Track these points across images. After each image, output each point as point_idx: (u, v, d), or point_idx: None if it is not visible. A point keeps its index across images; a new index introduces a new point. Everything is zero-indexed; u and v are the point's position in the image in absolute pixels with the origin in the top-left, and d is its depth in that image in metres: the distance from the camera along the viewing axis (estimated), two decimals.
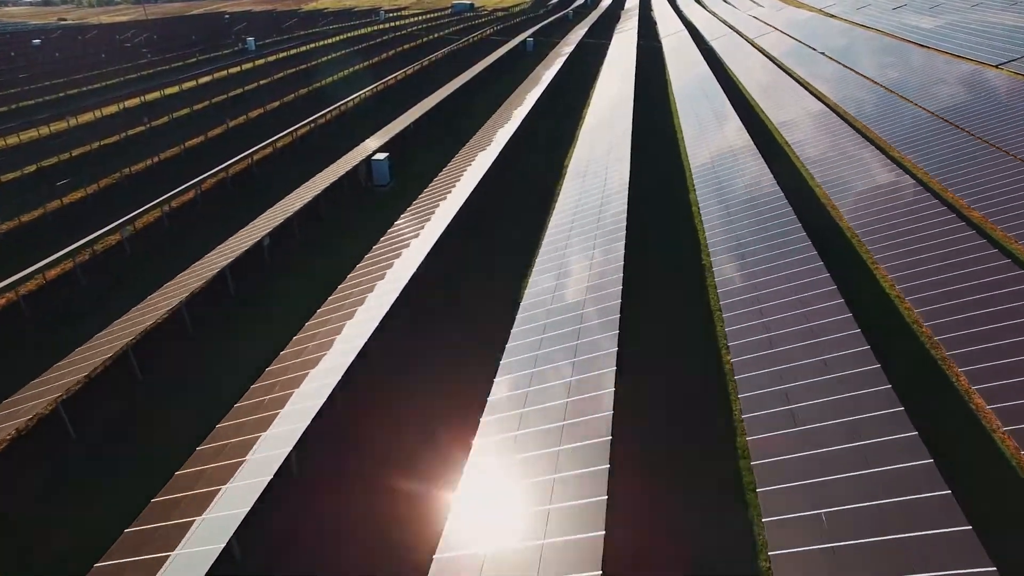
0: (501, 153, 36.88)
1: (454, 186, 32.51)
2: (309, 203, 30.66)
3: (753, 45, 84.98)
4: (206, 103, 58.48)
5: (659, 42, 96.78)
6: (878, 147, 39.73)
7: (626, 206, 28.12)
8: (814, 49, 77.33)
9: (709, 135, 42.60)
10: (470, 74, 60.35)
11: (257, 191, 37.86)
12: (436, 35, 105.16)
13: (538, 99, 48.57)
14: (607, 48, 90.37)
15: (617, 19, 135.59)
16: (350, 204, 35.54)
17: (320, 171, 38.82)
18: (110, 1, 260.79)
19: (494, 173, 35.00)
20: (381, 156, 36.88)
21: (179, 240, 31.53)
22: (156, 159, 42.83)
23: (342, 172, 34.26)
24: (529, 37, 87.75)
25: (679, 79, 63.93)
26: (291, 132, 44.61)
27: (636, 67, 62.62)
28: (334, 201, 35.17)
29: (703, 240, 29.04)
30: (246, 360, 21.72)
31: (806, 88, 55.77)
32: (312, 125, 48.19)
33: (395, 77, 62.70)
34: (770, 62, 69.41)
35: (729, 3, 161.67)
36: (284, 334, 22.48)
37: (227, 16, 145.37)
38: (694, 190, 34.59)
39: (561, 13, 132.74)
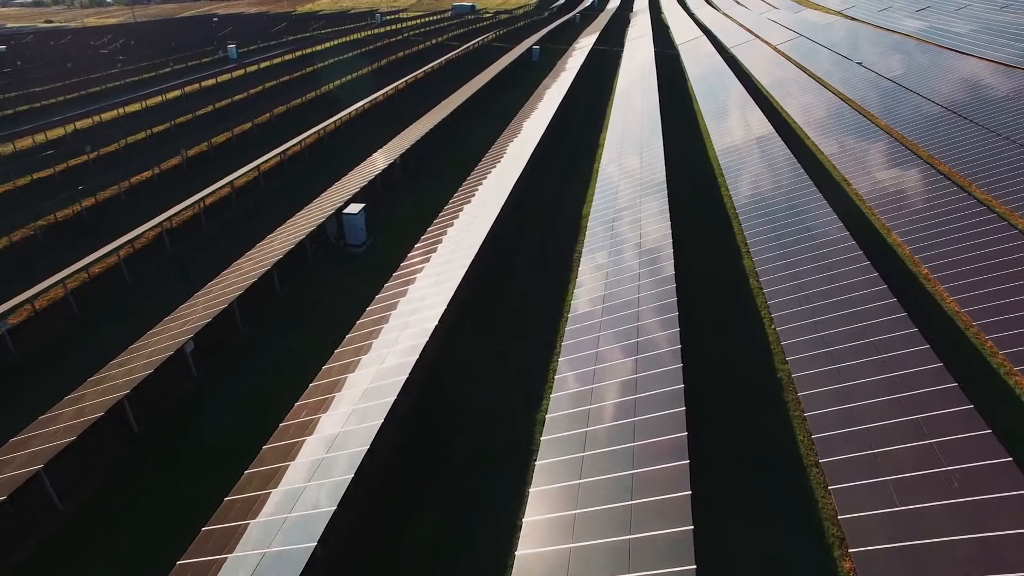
0: (505, 203, 29.58)
1: (441, 251, 25.18)
2: (259, 280, 23.32)
3: (781, 54, 77.39)
4: (168, 124, 51.13)
5: (675, 50, 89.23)
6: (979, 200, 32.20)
7: (675, 296, 20.75)
8: (849, 59, 69.76)
9: (754, 170, 35.15)
10: (468, 91, 52.91)
11: (205, 252, 30.56)
12: (434, 40, 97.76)
13: (545, 130, 41.11)
14: (620, 57, 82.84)
15: (627, 23, 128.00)
16: (313, 279, 28.16)
17: (283, 222, 31.44)
18: (102, 3, 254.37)
19: (497, 231, 27.78)
20: (355, 209, 29.45)
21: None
22: (81, 206, 35.47)
23: (304, 232, 26.91)
24: (535, 45, 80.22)
25: (707, 97, 56.34)
26: (256, 167, 37.24)
27: (657, 87, 55.08)
28: (291, 275, 27.78)
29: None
30: None
31: (847, 103, 48.26)
32: (281, 157, 40.81)
33: (385, 93, 55.38)
34: (803, 74, 61.91)
35: (741, 4, 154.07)
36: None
37: (215, 19, 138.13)
38: (749, 256, 27.15)
39: (567, 16, 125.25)
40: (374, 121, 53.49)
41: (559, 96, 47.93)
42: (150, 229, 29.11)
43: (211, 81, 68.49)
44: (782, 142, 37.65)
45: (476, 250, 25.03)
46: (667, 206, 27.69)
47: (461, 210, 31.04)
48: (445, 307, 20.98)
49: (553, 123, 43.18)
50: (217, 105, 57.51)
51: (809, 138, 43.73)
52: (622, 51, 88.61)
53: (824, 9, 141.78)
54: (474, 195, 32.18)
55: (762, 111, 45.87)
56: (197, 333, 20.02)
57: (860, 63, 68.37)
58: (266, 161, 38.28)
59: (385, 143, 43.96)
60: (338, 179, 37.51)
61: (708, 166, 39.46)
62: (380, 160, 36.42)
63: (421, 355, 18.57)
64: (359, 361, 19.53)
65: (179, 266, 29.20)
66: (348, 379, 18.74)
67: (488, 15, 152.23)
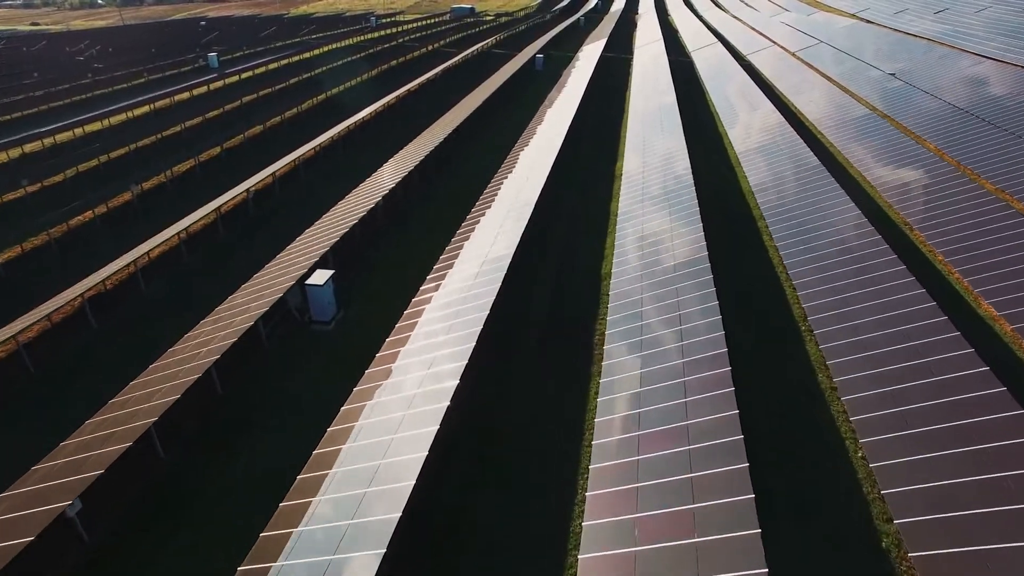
0: (513, 257, 23.81)
1: (433, 325, 19.35)
2: (198, 379, 17.59)
3: (805, 64, 71.50)
4: (126, 149, 45.26)
5: (687, 57, 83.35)
6: None
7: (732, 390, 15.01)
8: (877, 68, 63.90)
9: (806, 219, 29.29)
10: (465, 110, 47.01)
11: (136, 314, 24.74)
12: (431, 47, 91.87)
13: (551, 168, 35.24)
14: (630, 65, 76.98)
15: (634, 26, 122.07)
16: (268, 372, 22.35)
17: (238, 285, 25.61)
18: (93, 4, 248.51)
19: (501, 304, 21.95)
20: (322, 278, 23.62)
21: None
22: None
23: (261, 308, 21.15)
24: (538, 53, 74.32)
25: (732, 118, 50.41)
26: (216, 209, 31.39)
27: (676, 101, 49.23)
28: (240, 365, 21.94)
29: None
30: None
31: (894, 125, 42.29)
32: (246, 194, 34.99)
33: (373, 112, 49.52)
34: (835, 88, 56.04)
35: (749, 5, 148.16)
36: None
37: (203, 23, 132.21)
38: (811, 335, 21.29)
39: (572, 19, 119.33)
40: (358, 146, 47.63)
41: (566, 120, 42.04)
42: (96, 284, 23.30)
43: (185, 95, 62.62)
44: (834, 181, 31.79)
45: (478, 332, 19.29)
46: (713, 293, 21.73)
47: (455, 270, 25.24)
48: (439, 425, 15.51)
49: (560, 155, 37.29)
50: (187, 124, 51.63)
51: (865, 178, 37.71)
52: (631, 58, 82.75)
53: (836, 11, 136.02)
54: (471, 250, 26.36)
55: (798, 134, 40.01)
56: (89, 488, 14.31)
57: (893, 74, 62.59)
58: (228, 201, 32.44)
59: (367, 174, 38.14)
60: (312, 221, 31.71)
61: (746, 212, 33.55)
62: (358, 204, 30.51)
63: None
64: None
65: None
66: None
67: (489, 17, 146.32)
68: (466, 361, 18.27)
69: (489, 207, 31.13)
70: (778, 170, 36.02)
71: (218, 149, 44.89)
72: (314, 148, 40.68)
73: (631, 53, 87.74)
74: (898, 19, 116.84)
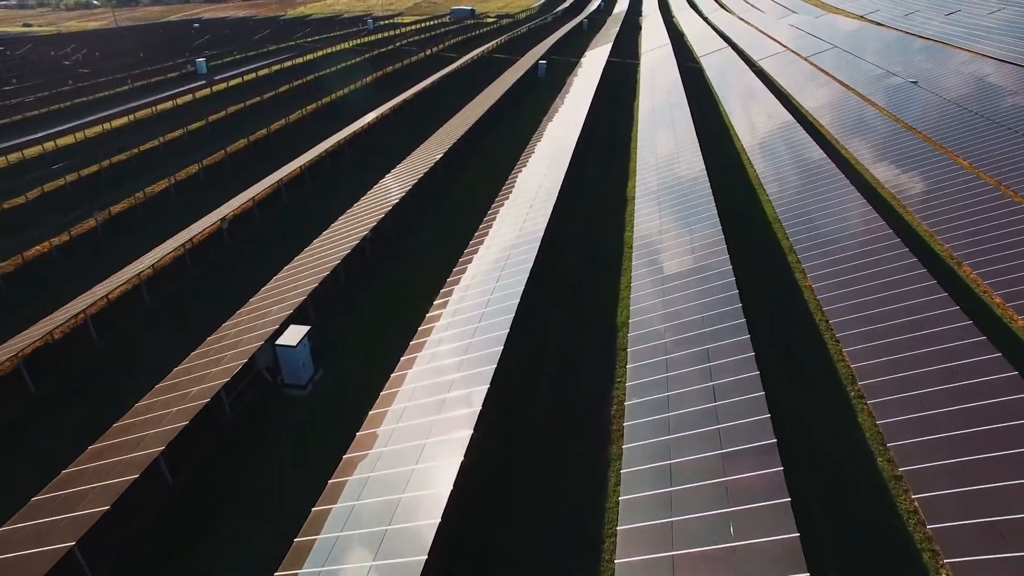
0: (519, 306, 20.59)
1: (426, 388, 16.09)
2: (148, 469, 14.36)
3: (821, 71, 68.10)
4: (97, 167, 41.93)
5: (696, 62, 79.99)
6: None
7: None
8: (896, 75, 60.54)
9: (846, 255, 25.97)
10: (462, 125, 43.64)
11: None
12: (430, 51, 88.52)
13: (557, 197, 31.92)
14: (636, 72, 73.65)
15: (638, 28, 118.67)
16: (233, 452, 19.02)
17: (204, 337, 22.28)
18: (88, 5, 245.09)
19: (505, 364, 18.70)
20: (296, 336, 20.29)
21: None
22: None
23: (222, 378, 17.87)
24: (541, 60, 70.90)
25: (750, 133, 47.04)
26: (183, 245, 28.06)
27: (692, 119, 45.88)
28: (200, 442, 18.63)
29: None
30: None
31: (916, 135, 38.84)
32: (220, 223, 31.66)
33: (365, 125, 46.12)
34: (853, 95, 52.69)
35: (755, 7, 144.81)
36: None
37: (196, 25, 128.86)
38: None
39: (575, 22, 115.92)
40: (348, 164, 44.28)
41: (570, 140, 38.65)
42: (41, 334, 20.02)
43: (169, 104, 59.30)
44: (871, 210, 28.45)
45: (482, 401, 16.05)
46: (750, 347, 18.44)
47: (449, 319, 21.93)
48: (439, 520, 12.43)
49: (566, 178, 33.94)
50: (166, 138, 48.28)
51: (904, 205, 34.32)
52: (638, 64, 79.41)
53: (843, 12, 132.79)
54: (468, 297, 23.05)
55: (825, 152, 36.65)
56: None
57: (915, 82, 59.25)
58: (199, 231, 29.09)
59: (356, 196, 34.80)
60: (294, 253, 28.40)
61: (774, 243, 30.20)
62: (341, 239, 27.13)
63: None
64: None
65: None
66: None
67: (490, 19, 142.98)
68: (461, 458, 14.99)
69: (486, 243, 27.79)
70: (806, 194, 32.64)
71: (196, 167, 41.57)
72: (299, 167, 37.36)
73: (637, 58, 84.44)
74: (909, 21, 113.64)
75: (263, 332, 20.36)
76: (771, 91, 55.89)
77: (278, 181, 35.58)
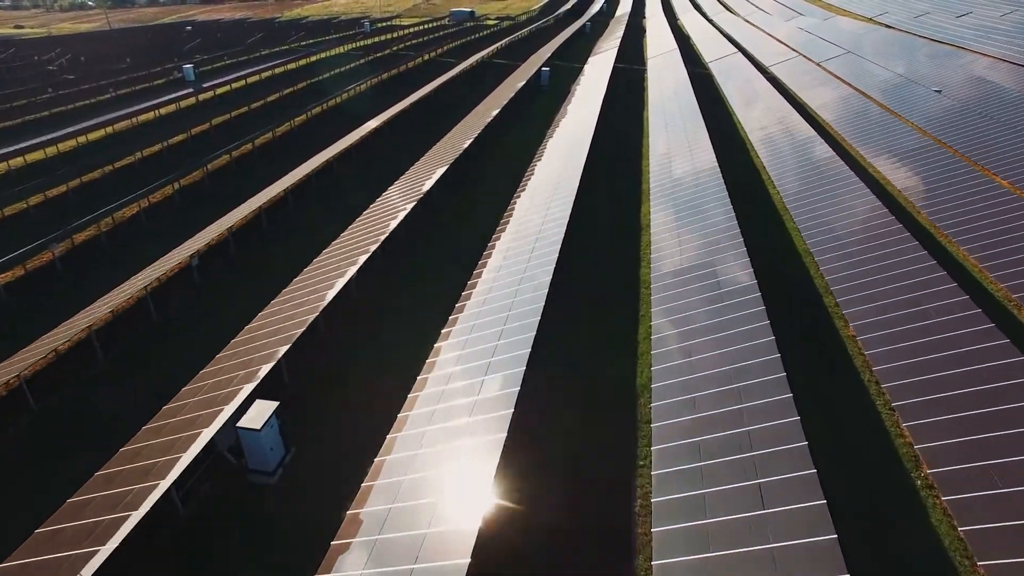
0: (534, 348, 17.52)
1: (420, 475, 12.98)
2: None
3: (835, 76, 64.93)
4: (64, 188, 38.72)
5: (705, 68, 76.82)
6: None
7: None
8: (921, 84, 57.35)
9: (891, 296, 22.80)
10: (458, 143, 40.41)
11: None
12: (428, 56, 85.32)
13: (568, 219, 28.74)
14: (644, 78, 70.46)
15: (643, 31, 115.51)
16: (190, 550, 15.84)
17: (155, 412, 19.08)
18: (83, 6, 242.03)
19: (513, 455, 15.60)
20: (261, 416, 17.07)
21: None
22: None
23: (175, 471, 14.69)
24: (543, 66, 67.70)
25: (768, 147, 43.83)
26: (147, 287, 24.82)
27: (707, 132, 42.67)
28: (146, 548, 15.45)
29: None
30: None
31: (952, 153, 35.56)
32: (188, 260, 28.40)
33: (355, 142, 42.86)
34: (875, 105, 49.13)
35: (762, 9, 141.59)
36: None
37: (188, 28, 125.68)
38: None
39: (577, 26, 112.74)
40: (335, 187, 41.06)
41: (576, 165, 35.35)
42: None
43: (150, 115, 56.10)
44: (918, 246, 25.25)
45: (475, 533, 12.85)
46: (815, 477, 15.20)
47: (442, 389, 18.75)
48: None
49: (574, 209, 30.74)
50: (144, 154, 45.11)
51: (946, 236, 31.13)
52: (644, 70, 76.24)
53: (851, 15, 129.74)
54: (462, 361, 19.86)
55: (855, 173, 33.48)
56: None
57: (939, 91, 56.07)
58: (167, 270, 25.89)
59: (340, 226, 31.59)
60: (271, 294, 25.20)
61: (805, 281, 27.00)
62: (320, 285, 23.88)
63: None
64: None
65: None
66: None
67: (491, 21, 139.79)
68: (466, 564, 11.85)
69: (481, 287, 24.60)
70: (842, 224, 29.40)
71: (172, 188, 38.37)
72: (283, 189, 34.12)
73: (643, 62, 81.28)
74: (920, 24, 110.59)
75: (223, 408, 17.18)
76: (787, 100, 52.71)
77: (259, 207, 32.39)
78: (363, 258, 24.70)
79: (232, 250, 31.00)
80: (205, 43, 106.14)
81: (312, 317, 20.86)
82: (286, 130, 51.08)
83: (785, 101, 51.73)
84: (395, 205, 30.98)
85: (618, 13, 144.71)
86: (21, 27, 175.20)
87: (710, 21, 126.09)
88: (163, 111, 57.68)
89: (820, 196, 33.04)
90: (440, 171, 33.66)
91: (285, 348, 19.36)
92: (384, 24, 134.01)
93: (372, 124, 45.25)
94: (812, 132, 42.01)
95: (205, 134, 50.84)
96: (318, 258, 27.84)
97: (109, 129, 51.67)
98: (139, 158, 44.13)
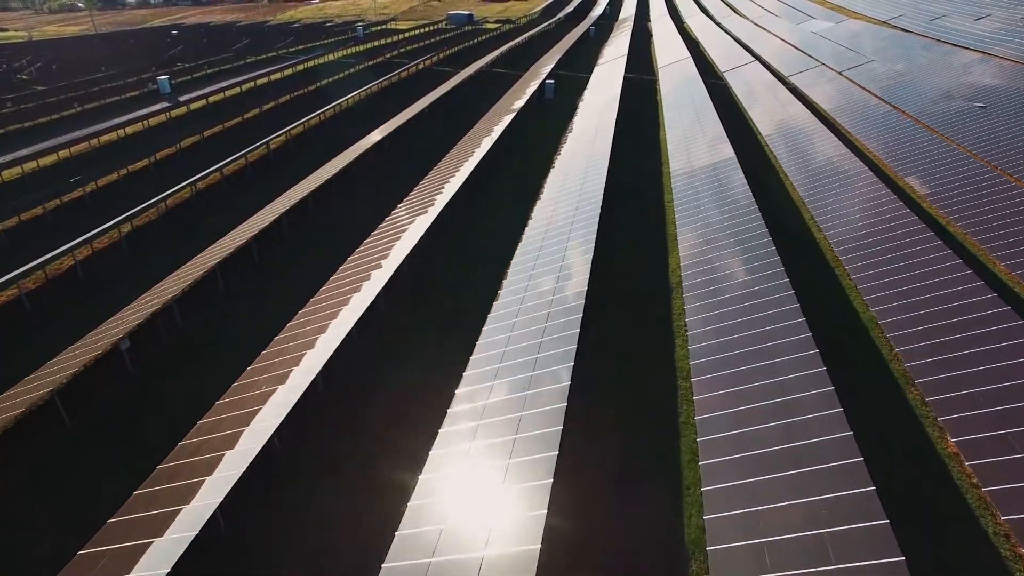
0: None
1: None
2: None
3: (862, 88, 59.62)
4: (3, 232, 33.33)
5: (721, 79, 71.49)
6: None
7: None
8: (959, 98, 52.05)
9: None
10: (456, 176, 35.06)
11: None
12: (422, 65, 79.95)
13: (591, 273, 23.40)
14: (656, 90, 65.12)
15: (649, 35, 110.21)
16: None
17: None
18: (72, 8, 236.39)
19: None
20: None
21: None
22: None
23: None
24: (548, 79, 62.32)
25: (805, 178, 38.43)
26: (92, 357, 19.49)
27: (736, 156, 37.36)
28: None
29: None
30: None
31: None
32: (112, 345, 23.00)
33: (335, 172, 37.52)
34: (917, 125, 43.59)
35: (771, 12, 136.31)
36: None
37: (174, 32, 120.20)
38: None
39: (581, 29, 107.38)
40: (307, 231, 35.72)
41: (592, 204, 29.97)
42: None
43: (113, 135, 50.68)
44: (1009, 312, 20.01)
45: None
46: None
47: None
48: None
49: (593, 270, 25.35)
50: (99, 184, 39.78)
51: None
52: (656, 80, 70.91)
53: (865, 18, 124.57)
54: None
55: (915, 215, 28.14)
56: None
57: (983, 106, 50.80)
58: (100, 352, 20.54)
59: (313, 283, 26.26)
60: (235, 371, 19.87)
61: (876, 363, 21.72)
62: (279, 371, 18.50)
63: None
64: None
65: None
66: None
67: (490, 24, 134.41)
68: None
69: (487, 380, 19.26)
70: (919, 297, 24.03)
71: (116, 234, 32.95)
72: (251, 234, 28.76)
73: (652, 71, 75.96)
74: (938, 27, 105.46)
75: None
76: (819, 119, 47.36)
77: (213, 265, 26.99)
78: (320, 361, 19.34)
79: (177, 321, 25.57)
80: (189, 49, 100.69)
81: (262, 443, 15.52)
82: (261, 154, 45.70)
83: (816, 120, 46.39)
84: (364, 276, 25.60)
85: (622, 16, 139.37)
86: (4, 30, 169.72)
87: (718, 24, 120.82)
88: (129, 130, 52.27)
89: (880, 248, 27.68)
90: (424, 224, 28.32)
91: (245, 465, 14.11)
92: (379, 28, 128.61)
93: (349, 156, 39.87)
94: (860, 165, 36.51)
95: (170, 160, 45.47)
96: (287, 325, 22.50)
97: (65, 152, 46.28)
98: (88, 192, 38.73)
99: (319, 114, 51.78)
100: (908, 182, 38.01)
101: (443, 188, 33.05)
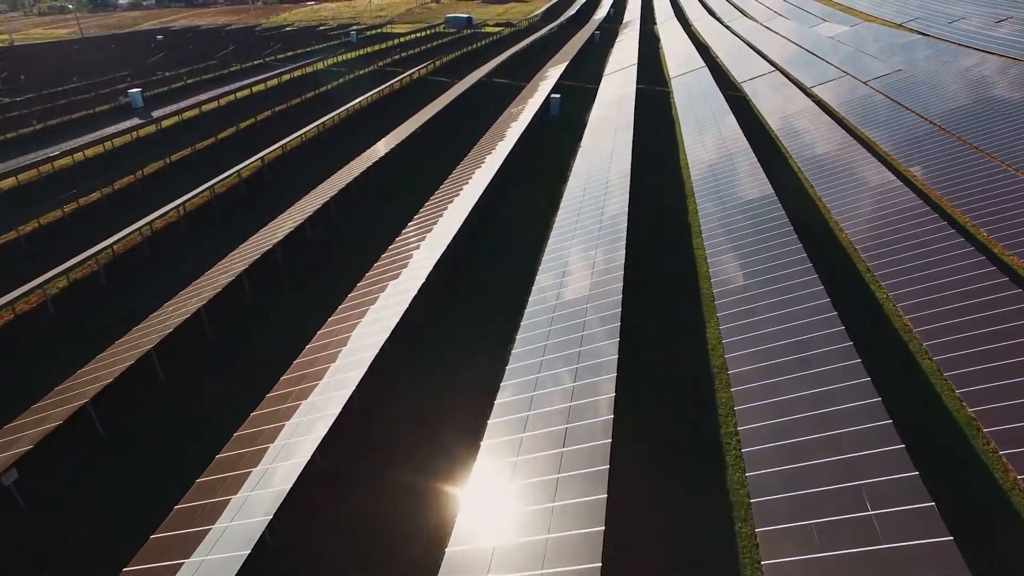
0: None
1: None
2: None
3: (896, 102, 54.29)
4: None
5: (739, 91, 66.28)
6: None
7: None
8: (1002, 113, 46.76)
9: None
10: (448, 222, 29.84)
11: None
12: (416, 75, 74.74)
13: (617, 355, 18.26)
14: (670, 103, 59.87)
15: (656, 39, 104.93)
16: None
17: None
18: (63, 9, 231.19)
19: None
20: None
21: None
22: None
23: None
24: (554, 94, 57.06)
25: (856, 219, 33.11)
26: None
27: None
28: None
29: None
30: None
31: None
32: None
33: (311, 214, 32.32)
34: (967, 148, 38.19)
35: (780, 15, 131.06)
36: None
37: (159, 37, 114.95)
38: None
39: (585, 33, 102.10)
40: (278, 285, 30.52)
41: (615, 264, 24.74)
42: None
43: (67, 160, 45.46)
44: None
45: None
46: None
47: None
48: None
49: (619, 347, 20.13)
50: (41, 222, 34.60)
51: None
52: (669, 91, 65.69)
53: (878, 20, 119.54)
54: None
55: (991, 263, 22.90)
56: None
57: None
58: (26, 454, 15.49)
59: (287, 354, 21.14)
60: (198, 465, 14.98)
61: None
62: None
63: None
64: None
65: None
66: None
67: (490, 27, 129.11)
68: None
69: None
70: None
71: (45, 293, 27.77)
72: (212, 292, 23.56)
73: (664, 80, 70.72)
74: (957, 31, 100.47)
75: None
76: (856, 140, 42.12)
77: (175, 327, 21.74)
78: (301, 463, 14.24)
79: (103, 424, 20.37)
80: (172, 55, 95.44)
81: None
82: (232, 183, 40.48)
83: (862, 147, 41.12)
84: (331, 358, 20.38)
85: (626, 18, 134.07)
86: None
87: (727, 27, 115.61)
88: (89, 152, 47.05)
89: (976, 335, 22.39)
90: (417, 283, 23.08)
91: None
92: (374, 32, 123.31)
93: (332, 188, 34.62)
94: (921, 204, 31.24)
95: (127, 192, 40.27)
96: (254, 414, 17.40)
97: (10, 181, 41.08)
98: (23, 233, 33.52)
99: (299, 135, 46.51)
100: (984, 233, 32.46)
101: (428, 242, 27.85)
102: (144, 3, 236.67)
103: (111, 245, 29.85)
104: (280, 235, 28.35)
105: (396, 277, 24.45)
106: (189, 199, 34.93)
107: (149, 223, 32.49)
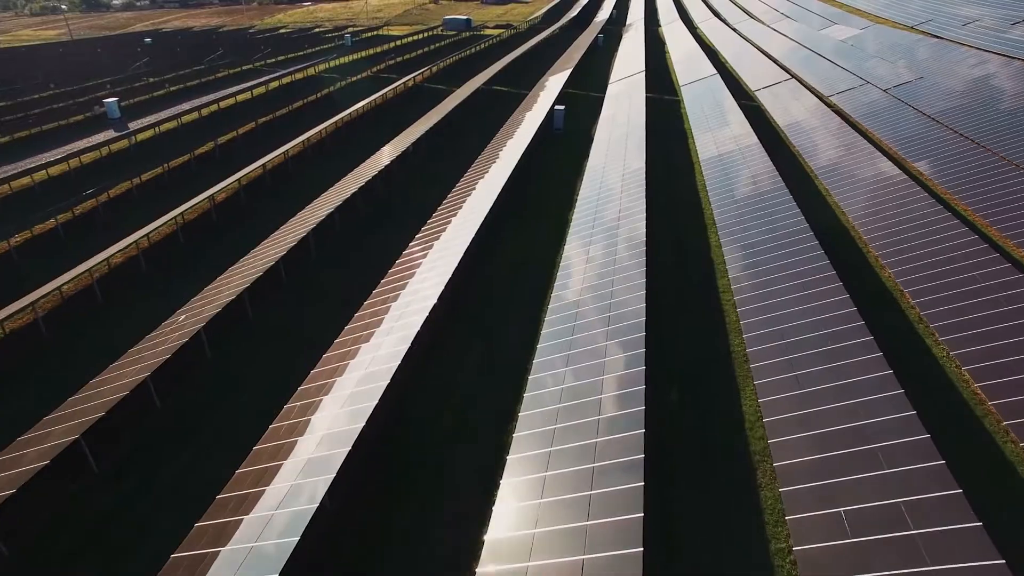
0: None
1: None
2: None
3: (921, 112, 50.50)
4: None
5: (752, 99, 62.53)
6: None
7: None
8: None
9: None
10: (446, 255, 26.09)
11: None
12: (412, 82, 70.95)
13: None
14: (681, 113, 56.06)
15: (662, 42, 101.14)
16: None
17: None
18: (56, 10, 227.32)
19: None
20: None
21: None
22: None
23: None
24: (558, 106, 53.17)
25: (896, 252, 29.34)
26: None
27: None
28: None
29: None
30: None
31: None
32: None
33: (290, 242, 28.58)
34: (1009, 167, 34.61)
35: (788, 16, 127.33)
36: None
37: (147, 40, 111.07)
38: None
39: (588, 36, 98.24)
40: (253, 327, 26.78)
41: (636, 313, 21.01)
42: None
43: (27, 180, 41.66)
44: None
45: None
46: None
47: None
48: None
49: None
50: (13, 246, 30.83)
51: None
52: (679, 100, 61.92)
53: (889, 23, 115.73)
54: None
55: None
56: None
57: None
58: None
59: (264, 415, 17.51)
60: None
61: None
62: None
63: None
64: None
65: None
66: None
67: (490, 30, 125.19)
68: None
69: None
70: None
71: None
72: (180, 338, 19.81)
73: (672, 88, 66.92)
74: (972, 33, 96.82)
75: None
76: (884, 156, 38.35)
77: (136, 383, 17.99)
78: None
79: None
80: (158, 60, 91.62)
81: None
82: (204, 208, 36.71)
83: (897, 168, 37.37)
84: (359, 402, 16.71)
85: (629, 20, 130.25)
86: None
87: (734, 29, 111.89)
88: (53, 171, 43.29)
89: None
90: (417, 325, 19.35)
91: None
92: (370, 35, 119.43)
93: (315, 215, 30.83)
94: (990, 252, 27.50)
95: (92, 215, 36.52)
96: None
97: None
98: None
99: (282, 152, 42.72)
100: None
101: (417, 295, 24.09)
102: (138, 3, 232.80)
103: (59, 287, 26.14)
104: (247, 283, 24.58)
105: (389, 333, 20.74)
106: (155, 229, 31.16)
107: (106, 259, 28.74)
